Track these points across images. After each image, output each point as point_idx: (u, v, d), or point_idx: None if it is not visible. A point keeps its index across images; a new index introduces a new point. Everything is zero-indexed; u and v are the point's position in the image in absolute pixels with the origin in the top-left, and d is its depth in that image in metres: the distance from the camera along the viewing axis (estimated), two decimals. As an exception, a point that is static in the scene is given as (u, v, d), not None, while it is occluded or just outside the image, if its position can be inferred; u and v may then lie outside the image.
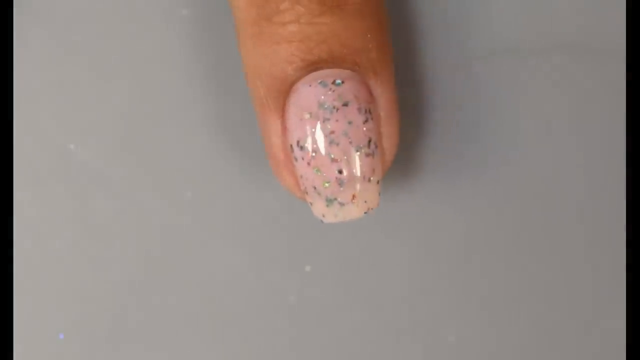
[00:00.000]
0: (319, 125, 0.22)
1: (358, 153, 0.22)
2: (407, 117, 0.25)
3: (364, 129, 0.22)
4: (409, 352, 0.25)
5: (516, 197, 0.25)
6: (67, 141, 0.25)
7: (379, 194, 0.22)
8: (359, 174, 0.22)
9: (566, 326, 0.25)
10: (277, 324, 0.25)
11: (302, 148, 0.22)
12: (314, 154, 0.22)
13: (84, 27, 0.25)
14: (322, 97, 0.22)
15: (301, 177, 0.22)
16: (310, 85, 0.22)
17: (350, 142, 0.22)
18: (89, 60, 0.25)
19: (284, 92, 0.22)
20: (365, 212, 0.22)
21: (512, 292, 0.25)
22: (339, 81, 0.22)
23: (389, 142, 0.23)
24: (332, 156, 0.22)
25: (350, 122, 0.22)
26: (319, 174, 0.22)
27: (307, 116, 0.22)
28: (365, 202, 0.22)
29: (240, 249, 0.25)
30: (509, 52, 0.25)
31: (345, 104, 0.22)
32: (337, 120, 0.22)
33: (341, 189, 0.22)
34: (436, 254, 0.25)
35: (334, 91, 0.22)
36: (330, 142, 0.22)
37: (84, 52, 0.25)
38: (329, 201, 0.22)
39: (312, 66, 0.22)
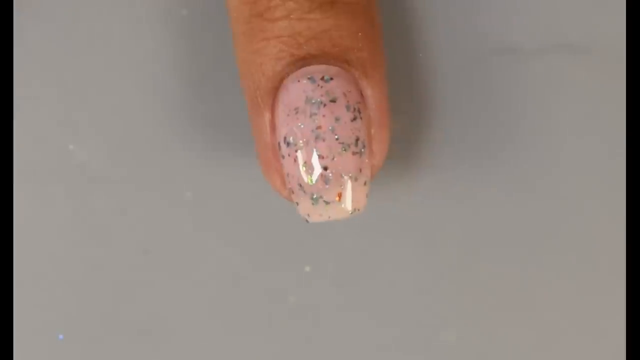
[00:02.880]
0: (305, 120, 0.22)
1: (345, 151, 0.22)
2: (407, 117, 0.25)
3: (352, 126, 0.22)
4: (409, 352, 0.25)
5: (516, 197, 0.25)
6: (67, 141, 0.25)
7: (367, 196, 0.22)
8: (345, 171, 0.22)
9: (566, 326, 0.25)
10: (277, 324, 0.25)
11: (288, 144, 0.22)
12: (299, 150, 0.22)
13: (84, 27, 0.25)
14: (310, 92, 0.22)
15: (287, 175, 0.22)
16: (298, 81, 0.22)
17: (337, 139, 0.22)
18: (88, 60, 0.25)
19: (273, 89, 0.22)
20: (351, 213, 0.22)
21: (512, 292, 0.25)
22: (327, 77, 0.22)
23: (379, 145, 0.22)
24: (318, 152, 0.22)
25: (337, 119, 0.22)
26: (305, 169, 0.22)
27: (294, 112, 0.22)
28: (352, 201, 0.22)
29: (240, 249, 0.25)
30: (509, 52, 0.25)
31: (333, 100, 0.22)
32: (324, 116, 0.21)
33: (327, 186, 0.22)
34: (436, 254, 0.25)
35: (322, 87, 0.22)
36: (317, 138, 0.21)
37: (83, 52, 0.25)
38: (314, 200, 0.22)
39: (301, 62, 0.22)
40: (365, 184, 0.22)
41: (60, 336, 0.25)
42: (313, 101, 0.21)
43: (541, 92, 0.25)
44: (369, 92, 0.22)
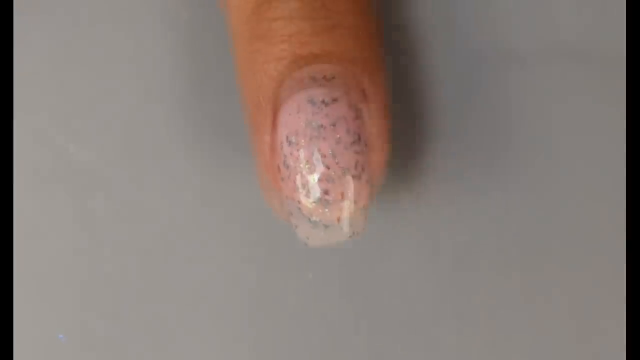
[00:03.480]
0: (306, 144, 0.21)
1: (344, 174, 0.21)
2: (409, 121, 0.25)
3: (352, 150, 0.22)
4: (410, 353, 0.25)
5: (517, 200, 0.25)
6: (67, 141, 0.25)
7: (366, 219, 0.22)
8: (344, 195, 0.22)
9: (566, 326, 0.25)
10: (277, 326, 0.25)
11: (287, 167, 0.22)
12: (299, 173, 0.21)
13: (84, 28, 0.25)
14: (311, 115, 0.21)
15: (286, 198, 0.22)
16: (298, 105, 0.21)
17: (337, 163, 0.21)
18: (89, 61, 0.25)
19: (276, 88, 0.22)
20: (350, 237, 0.22)
21: (512, 293, 0.25)
22: (327, 100, 0.22)
23: (377, 170, 0.22)
24: (318, 175, 0.21)
25: (337, 142, 0.21)
26: (304, 192, 0.22)
27: (293, 139, 0.22)
28: (351, 225, 0.22)
29: (240, 249, 0.25)
30: (509, 52, 0.25)
31: (333, 124, 0.21)
32: (324, 139, 0.21)
33: (326, 210, 0.22)
34: (437, 257, 0.25)
35: (322, 110, 0.21)
36: (317, 161, 0.21)
37: (84, 53, 0.25)
38: (314, 223, 0.22)
39: (303, 61, 0.22)
40: (364, 207, 0.22)
41: (60, 336, 0.25)
42: (313, 124, 0.21)
43: (541, 93, 0.25)
44: (371, 90, 0.22)
